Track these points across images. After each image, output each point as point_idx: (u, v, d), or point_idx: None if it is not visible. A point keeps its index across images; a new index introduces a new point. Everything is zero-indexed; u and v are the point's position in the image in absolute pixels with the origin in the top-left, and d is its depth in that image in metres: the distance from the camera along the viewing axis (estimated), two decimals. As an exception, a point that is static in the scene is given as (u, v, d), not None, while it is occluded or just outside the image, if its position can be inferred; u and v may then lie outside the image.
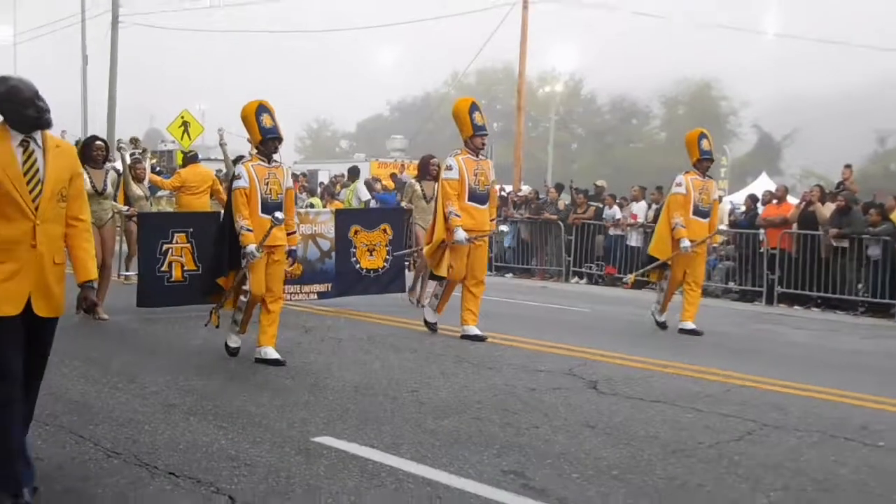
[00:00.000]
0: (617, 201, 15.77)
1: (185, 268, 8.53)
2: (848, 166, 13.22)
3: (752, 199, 15.03)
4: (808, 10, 46.35)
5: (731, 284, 13.82)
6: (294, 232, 7.05)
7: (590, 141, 46.09)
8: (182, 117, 16.98)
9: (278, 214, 6.31)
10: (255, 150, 6.64)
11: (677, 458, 4.47)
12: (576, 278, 15.36)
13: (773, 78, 45.76)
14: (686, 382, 6.54)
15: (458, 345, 8.00)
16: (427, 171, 10.23)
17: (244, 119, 6.69)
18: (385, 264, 9.43)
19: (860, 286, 11.50)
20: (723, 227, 13.51)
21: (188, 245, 8.57)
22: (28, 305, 3.35)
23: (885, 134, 37.14)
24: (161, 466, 4.24)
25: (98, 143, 8.84)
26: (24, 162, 3.39)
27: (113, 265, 9.06)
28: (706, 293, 11.30)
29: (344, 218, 9.56)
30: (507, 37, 21.95)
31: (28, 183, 3.38)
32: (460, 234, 7.65)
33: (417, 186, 10.12)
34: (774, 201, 13.87)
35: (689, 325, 8.96)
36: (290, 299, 8.92)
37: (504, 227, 14.07)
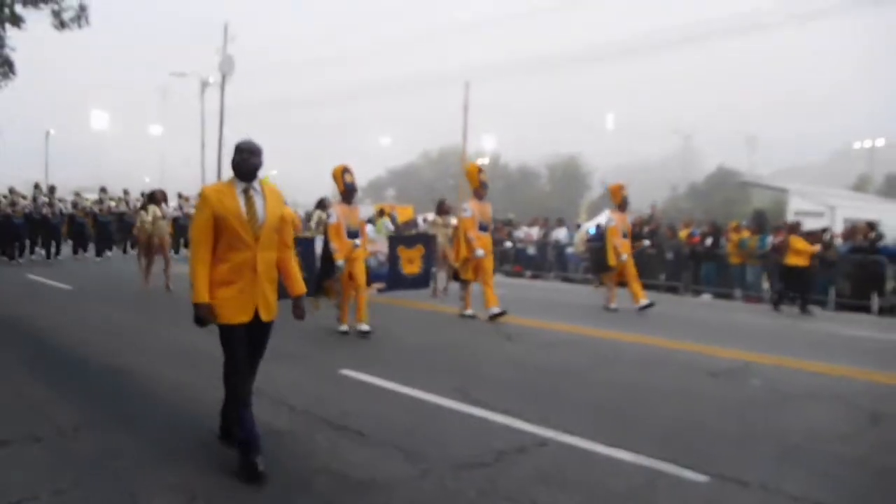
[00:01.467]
0: (522, 227, 20.94)
1: None
2: (653, 204, 18.71)
3: (599, 225, 18.87)
4: (627, 108, 73.51)
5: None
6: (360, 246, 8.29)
7: (504, 191, 61.66)
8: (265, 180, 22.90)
9: (357, 241, 8.05)
10: (339, 197, 8.18)
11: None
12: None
13: (614, 153, 66.35)
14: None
15: (447, 318, 9.81)
16: (442, 209, 12.99)
17: (334, 176, 8.04)
18: (419, 271, 11.88)
19: (662, 276, 15.55)
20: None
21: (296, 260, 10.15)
22: (255, 313, 3.78)
23: (675, 185, 53.51)
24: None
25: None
26: (245, 204, 3.77)
27: None
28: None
29: (393, 241, 11.92)
30: (456, 130, 34.60)
31: (249, 221, 3.75)
32: (480, 252, 9.45)
33: (438, 219, 12.86)
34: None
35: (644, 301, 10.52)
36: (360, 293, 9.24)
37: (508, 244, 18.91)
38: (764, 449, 4.28)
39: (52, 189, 20.02)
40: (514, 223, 21.37)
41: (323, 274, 8.28)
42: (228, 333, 3.79)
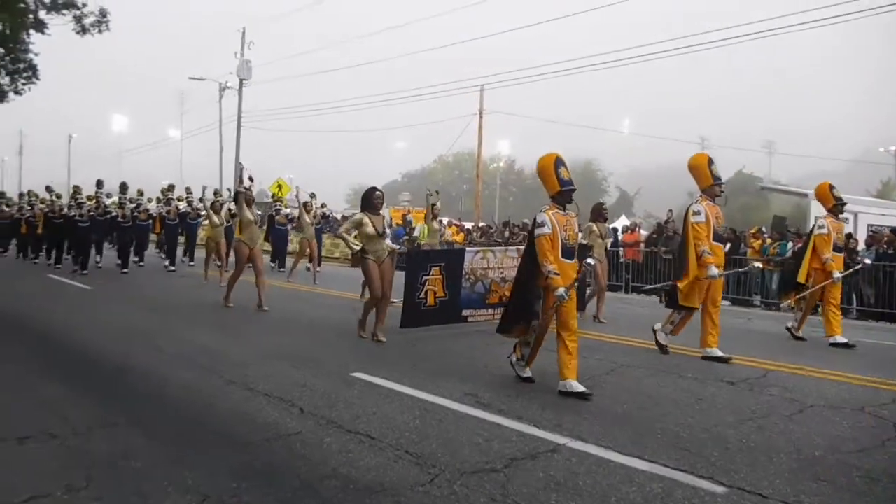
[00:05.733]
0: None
1: (437, 295, 8.76)
2: (670, 210, 17.97)
3: (614, 230, 19.63)
4: (644, 115, 73.66)
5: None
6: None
7: (520, 196, 63.95)
8: (278, 182, 22.52)
9: (590, 260, 5.94)
10: (550, 200, 5.93)
11: None
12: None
13: (628, 158, 65.70)
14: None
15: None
16: (599, 214, 10.72)
17: (542, 170, 5.91)
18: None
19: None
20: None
21: (441, 276, 8.77)
22: None
23: (693, 191, 55.52)
24: (260, 389, 5.48)
25: (377, 193, 8.12)
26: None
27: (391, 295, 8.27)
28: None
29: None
30: (471, 133, 33.03)
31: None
32: (713, 271, 7.27)
33: (595, 226, 10.44)
34: (629, 231, 19.16)
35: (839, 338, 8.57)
36: (493, 318, 8.82)
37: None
38: (783, 460, 4.18)
39: (122, 187, 17.84)
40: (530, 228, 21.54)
41: (521, 306, 6.01)
42: None
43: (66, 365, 6.53)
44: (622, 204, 61.80)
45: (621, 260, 17.43)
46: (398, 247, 10.08)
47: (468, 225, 26.20)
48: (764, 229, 16.48)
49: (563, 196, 5.89)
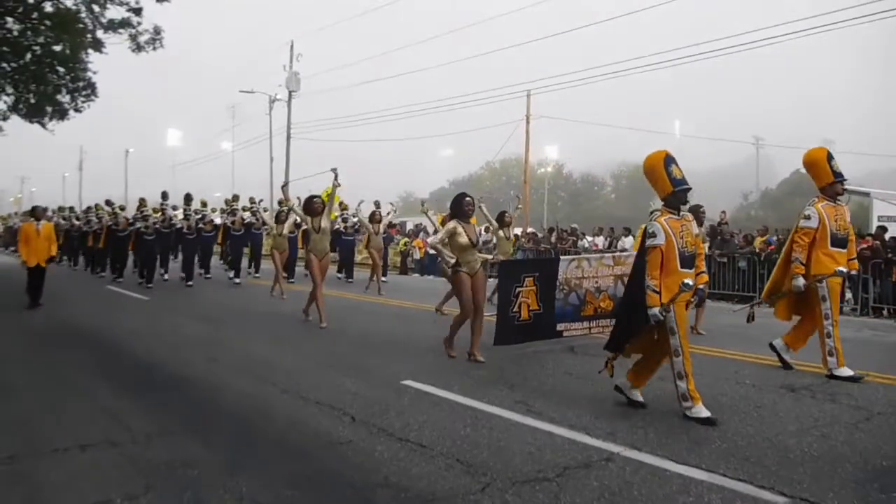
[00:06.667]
0: (586, 236, 20.78)
1: (531, 308, 7.94)
2: (723, 211, 17.42)
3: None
4: (697, 118, 71.61)
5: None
6: (704, 271, 5.50)
7: (568, 200, 63.71)
8: (327, 189, 23.37)
9: (688, 281, 5.02)
10: (662, 203, 5.30)
11: None
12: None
13: (680, 160, 68.47)
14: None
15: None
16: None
17: (651, 170, 5.27)
18: None
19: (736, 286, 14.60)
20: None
21: (534, 287, 7.95)
22: None
23: (747, 192, 52.72)
24: (312, 398, 5.56)
25: (468, 199, 7.49)
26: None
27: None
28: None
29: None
30: (518, 139, 32.75)
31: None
32: (799, 281, 6.57)
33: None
34: None
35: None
36: (604, 332, 8.15)
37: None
38: (848, 471, 4.02)
39: (187, 198, 17.52)
40: (578, 233, 21.27)
41: (627, 323, 5.43)
42: None
43: (125, 374, 6.75)
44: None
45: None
46: (491, 256, 9.41)
47: (517, 231, 27.07)
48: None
49: (676, 198, 5.21)
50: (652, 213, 5.28)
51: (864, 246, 12.63)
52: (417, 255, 23.32)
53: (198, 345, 8.20)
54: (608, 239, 19.96)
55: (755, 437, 4.64)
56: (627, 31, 44.97)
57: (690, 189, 5.23)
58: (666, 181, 5.18)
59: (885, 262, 12.52)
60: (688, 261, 5.17)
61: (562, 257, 9.56)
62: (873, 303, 12.76)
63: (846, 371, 6.43)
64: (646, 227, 5.24)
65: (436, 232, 8.16)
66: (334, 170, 10.28)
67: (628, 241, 20.12)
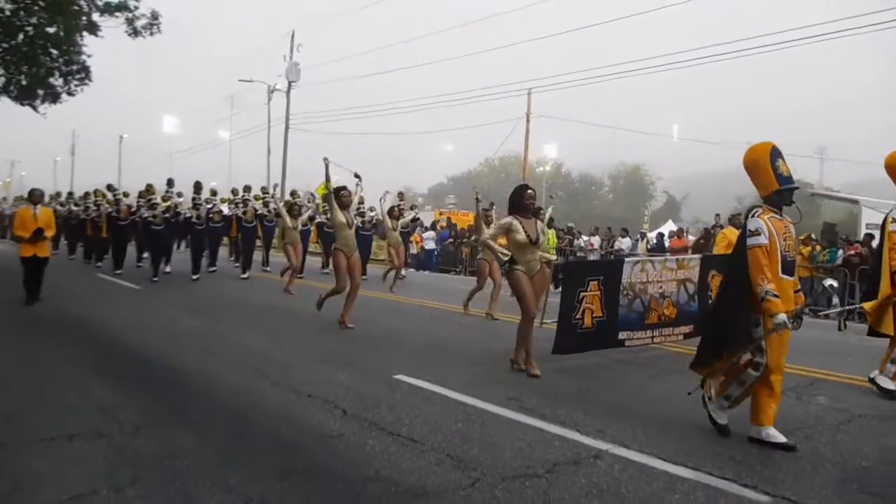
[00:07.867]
0: (582, 235, 21.06)
1: (595, 314, 7.31)
2: (717, 214, 17.92)
3: (661, 235, 20.66)
4: (696, 121, 74.62)
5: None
6: (800, 289, 4.92)
7: (566, 200, 62.68)
8: (324, 184, 23.38)
9: (783, 318, 4.41)
10: (763, 202, 4.74)
11: None
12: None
13: (675, 164, 64.53)
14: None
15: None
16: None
17: (754, 164, 4.65)
18: None
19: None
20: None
21: (599, 292, 7.30)
22: None
23: (741, 197, 51.20)
24: (304, 391, 5.54)
25: (529, 191, 6.84)
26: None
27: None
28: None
29: (707, 263, 8.30)
30: (517, 137, 32.38)
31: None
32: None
33: None
34: (676, 236, 19.30)
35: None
36: (665, 341, 7.91)
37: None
38: (830, 471, 4.08)
39: (197, 186, 16.53)
40: (575, 232, 21.44)
41: (723, 338, 4.77)
42: None
43: (117, 365, 6.72)
44: (669, 209, 61.57)
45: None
46: (554, 257, 8.55)
47: None
48: (814, 236, 16.15)
49: (781, 197, 4.62)
50: (752, 209, 4.74)
51: (852, 252, 12.79)
52: (414, 249, 23.28)
53: (192, 336, 8.20)
54: (604, 239, 20.42)
55: (741, 436, 4.67)
56: (630, 32, 44.90)
57: (797, 188, 4.76)
58: (771, 177, 4.60)
59: (872, 269, 12.62)
60: (789, 267, 4.62)
61: (626, 259, 8.85)
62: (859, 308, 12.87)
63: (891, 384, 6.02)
64: (745, 225, 4.67)
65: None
66: (357, 175, 10.09)
67: (625, 242, 20.31)
